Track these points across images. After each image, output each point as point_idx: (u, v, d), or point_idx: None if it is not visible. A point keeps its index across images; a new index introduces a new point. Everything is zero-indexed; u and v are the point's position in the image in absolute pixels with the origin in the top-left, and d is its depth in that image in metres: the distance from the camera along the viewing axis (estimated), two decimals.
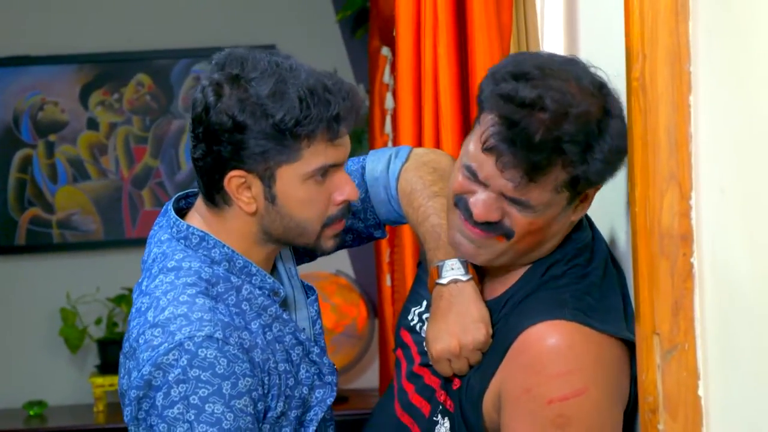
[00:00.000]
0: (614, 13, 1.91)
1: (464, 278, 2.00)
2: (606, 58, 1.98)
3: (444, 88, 3.01)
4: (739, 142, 1.57)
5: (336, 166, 1.98)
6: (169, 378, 1.87)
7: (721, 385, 1.64)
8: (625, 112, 1.83)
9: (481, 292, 2.03)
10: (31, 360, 5.00)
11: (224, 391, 1.87)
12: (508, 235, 1.92)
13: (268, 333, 1.99)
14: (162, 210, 2.10)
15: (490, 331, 1.97)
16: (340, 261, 4.97)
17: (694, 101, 1.65)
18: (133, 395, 1.91)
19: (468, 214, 1.93)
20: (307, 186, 1.96)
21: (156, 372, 1.88)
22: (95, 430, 4.71)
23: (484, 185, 1.91)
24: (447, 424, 1.99)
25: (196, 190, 2.09)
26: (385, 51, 4.31)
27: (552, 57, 1.97)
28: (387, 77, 4.28)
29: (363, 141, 4.90)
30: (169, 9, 5.04)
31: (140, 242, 4.94)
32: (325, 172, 1.97)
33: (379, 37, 4.35)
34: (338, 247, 2.22)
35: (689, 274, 1.66)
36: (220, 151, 1.94)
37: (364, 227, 2.23)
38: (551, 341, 1.87)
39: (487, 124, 1.88)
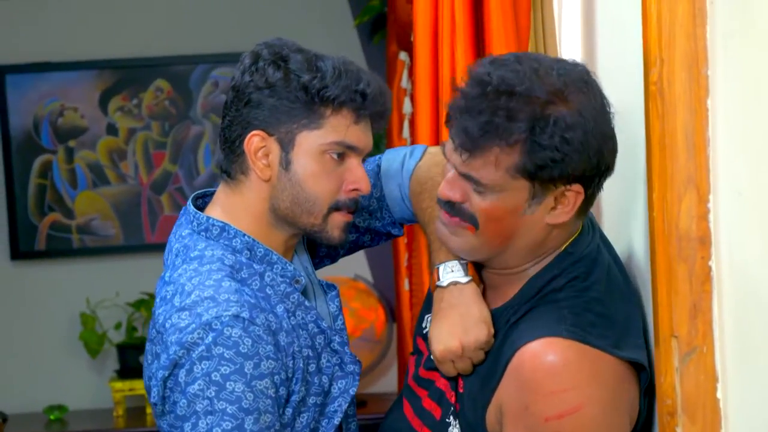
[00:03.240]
0: (632, 18, 1.91)
1: (464, 280, 2.01)
2: (624, 63, 1.98)
3: None
4: (756, 146, 1.57)
5: (354, 150, 2.01)
6: (193, 355, 1.88)
7: (739, 387, 1.65)
8: (605, 116, 1.86)
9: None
10: (52, 364, 5.02)
11: (246, 370, 1.88)
12: (472, 222, 1.93)
13: (292, 318, 2.00)
14: (181, 212, 2.12)
15: (492, 330, 1.97)
16: (359, 265, 4.98)
17: (711, 105, 1.65)
18: (160, 375, 1.92)
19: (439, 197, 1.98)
20: (323, 160, 1.99)
21: (181, 351, 1.89)
22: None
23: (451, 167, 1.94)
24: (458, 425, 2.00)
25: (213, 189, 2.12)
26: (402, 56, 4.32)
27: (547, 56, 1.97)
28: (405, 82, 4.29)
29: (381, 146, 4.91)
30: (187, 15, 5.06)
31: (160, 247, 4.95)
32: (342, 154, 2.00)
33: (396, 42, 4.36)
34: (359, 247, 2.24)
35: (707, 277, 1.67)
36: (248, 112, 1.99)
37: (382, 225, 2.25)
38: (546, 359, 1.87)
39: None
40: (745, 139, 1.60)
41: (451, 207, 1.95)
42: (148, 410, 4.85)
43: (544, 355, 1.88)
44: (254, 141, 1.99)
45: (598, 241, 2.01)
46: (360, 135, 2.01)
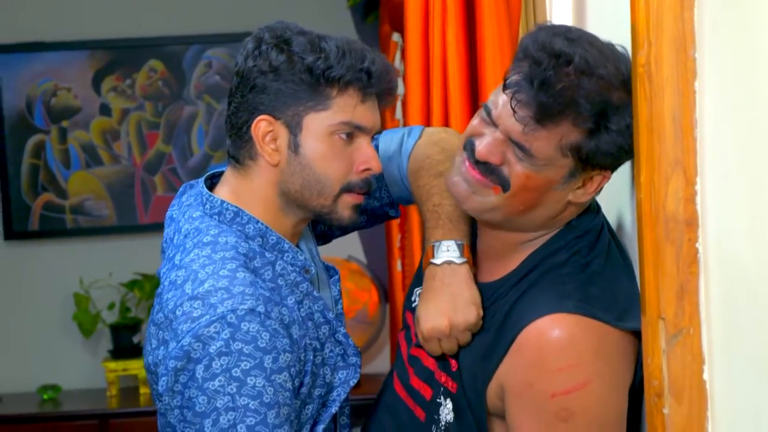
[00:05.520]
0: (621, 0, 1.92)
1: (458, 261, 2.02)
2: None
3: (453, 74, 3.03)
4: (743, 128, 1.58)
5: (363, 131, 1.99)
6: (210, 350, 1.85)
7: (725, 369, 1.65)
8: None
9: (478, 274, 2.04)
10: (45, 344, 5.03)
11: (266, 365, 1.86)
12: (504, 185, 1.92)
13: (301, 309, 1.99)
14: (178, 193, 2.12)
15: (481, 313, 1.98)
16: (352, 246, 4.99)
17: (699, 87, 1.65)
18: (171, 366, 1.88)
19: (471, 153, 1.95)
20: (331, 141, 1.97)
21: (196, 344, 1.86)
22: (108, 414, 4.74)
23: (495, 126, 1.92)
24: (450, 405, 2.01)
25: (222, 169, 2.10)
26: (395, 37, 4.32)
27: (600, 39, 1.97)
28: (398, 63, 4.29)
29: None
30: None
31: (153, 227, 5.00)
32: (351, 134, 1.98)
33: (389, 22, 4.36)
34: (353, 228, 2.24)
35: (694, 259, 1.67)
36: (253, 97, 1.97)
37: (379, 206, 2.25)
38: (553, 335, 1.88)
39: (514, 66, 1.92)
40: (732, 121, 1.60)
41: (486, 168, 1.94)
42: (142, 390, 4.87)
43: (550, 331, 1.89)
44: (261, 126, 1.97)
45: (603, 219, 2.03)
46: (367, 114, 1.99)
